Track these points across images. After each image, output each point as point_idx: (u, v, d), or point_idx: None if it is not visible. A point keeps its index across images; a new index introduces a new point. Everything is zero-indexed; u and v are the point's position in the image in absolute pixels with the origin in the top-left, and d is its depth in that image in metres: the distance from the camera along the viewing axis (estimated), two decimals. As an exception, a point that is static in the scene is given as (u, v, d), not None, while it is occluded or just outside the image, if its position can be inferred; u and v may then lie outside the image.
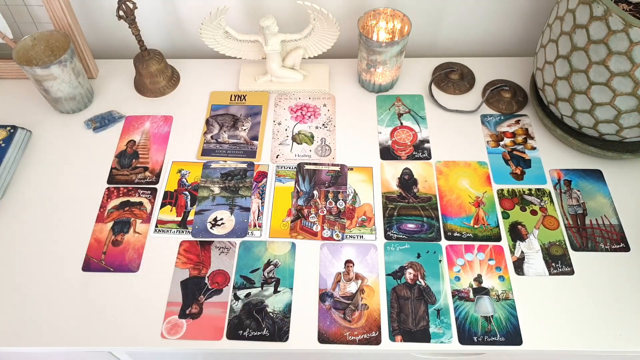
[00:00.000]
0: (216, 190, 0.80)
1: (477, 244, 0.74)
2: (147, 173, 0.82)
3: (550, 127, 0.83)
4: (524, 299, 0.69)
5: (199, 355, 0.77)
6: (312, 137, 0.86)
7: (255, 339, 0.66)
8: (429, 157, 0.84)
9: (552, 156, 0.83)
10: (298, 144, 0.86)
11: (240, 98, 0.92)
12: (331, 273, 0.72)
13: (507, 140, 0.85)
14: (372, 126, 0.88)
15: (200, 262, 0.73)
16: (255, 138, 0.86)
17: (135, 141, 0.86)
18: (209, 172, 0.82)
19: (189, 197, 0.80)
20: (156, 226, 0.76)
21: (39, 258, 0.74)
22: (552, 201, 0.78)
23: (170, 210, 0.78)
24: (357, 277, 0.71)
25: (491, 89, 0.91)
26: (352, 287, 0.70)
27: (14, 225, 0.77)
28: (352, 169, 0.82)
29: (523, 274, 0.71)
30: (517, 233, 0.75)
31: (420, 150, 0.85)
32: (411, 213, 0.77)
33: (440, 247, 0.74)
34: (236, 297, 0.70)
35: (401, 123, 0.88)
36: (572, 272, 0.71)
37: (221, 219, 0.77)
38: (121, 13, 0.81)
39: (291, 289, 0.70)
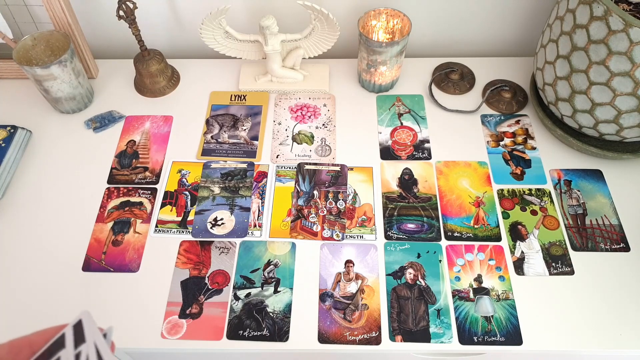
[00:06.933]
0: (216, 190, 0.80)
1: (477, 244, 0.74)
2: (147, 173, 0.82)
3: (550, 127, 0.83)
4: (524, 299, 0.69)
5: (199, 356, 0.77)
6: (312, 137, 0.86)
7: (255, 339, 0.66)
8: (429, 157, 0.84)
9: (552, 156, 0.83)
10: (298, 144, 0.86)
11: (240, 98, 0.92)
12: (331, 273, 0.72)
13: (507, 140, 0.85)
14: (372, 126, 0.88)
15: (201, 262, 0.73)
16: (256, 138, 0.86)
17: (135, 141, 0.86)
18: (209, 172, 0.82)
19: (189, 197, 0.79)
20: (156, 226, 0.76)
21: (39, 258, 0.74)
22: (552, 201, 0.78)
23: (171, 210, 0.78)
24: (357, 277, 0.71)
25: (491, 89, 0.91)
26: (352, 287, 0.70)
27: (14, 225, 0.77)
28: (352, 169, 0.82)
29: (523, 274, 0.71)
30: (517, 233, 0.75)
31: (421, 150, 0.84)
32: (411, 213, 0.77)
33: (441, 247, 0.74)
34: (236, 297, 0.70)
35: (401, 123, 0.88)
36: (572, 272, 0.71)
37: (221, 219, 0.77)
38: (121, 13, 0.81)
39: (291, 289, 0.70)
